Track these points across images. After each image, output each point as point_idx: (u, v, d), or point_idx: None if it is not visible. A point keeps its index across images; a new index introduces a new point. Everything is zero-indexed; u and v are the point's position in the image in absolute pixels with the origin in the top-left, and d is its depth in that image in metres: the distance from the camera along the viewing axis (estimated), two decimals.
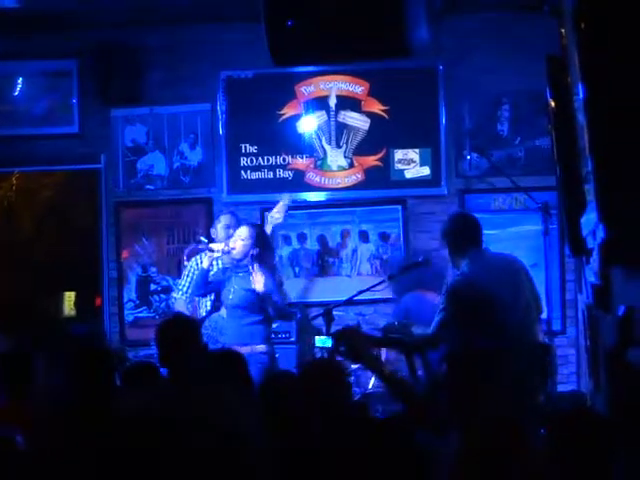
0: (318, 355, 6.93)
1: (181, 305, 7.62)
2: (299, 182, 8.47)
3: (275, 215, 7.81)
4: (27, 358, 4.89)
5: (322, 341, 7.03)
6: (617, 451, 3.34)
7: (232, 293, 6.94)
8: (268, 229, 7.82)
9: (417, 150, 8.40)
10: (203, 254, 7.48)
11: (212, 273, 7.08)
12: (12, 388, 4.77)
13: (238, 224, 7.33)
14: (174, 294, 7.88)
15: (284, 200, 7.87)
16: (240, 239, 6.97)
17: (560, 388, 7.67)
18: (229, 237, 7.16)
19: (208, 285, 7.05)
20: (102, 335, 8.31)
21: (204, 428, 4.25)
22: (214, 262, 7.18)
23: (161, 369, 5.41)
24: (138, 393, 4.66)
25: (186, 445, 4.10)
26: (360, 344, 5.33)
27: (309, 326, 8.11)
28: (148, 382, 4.89)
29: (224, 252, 6.99)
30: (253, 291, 6.89)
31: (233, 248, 6.95)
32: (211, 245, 7.12)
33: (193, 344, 4.76)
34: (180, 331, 4.80)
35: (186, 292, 7.58)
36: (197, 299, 7.52)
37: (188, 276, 7.60)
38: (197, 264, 7.54)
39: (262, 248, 7.02)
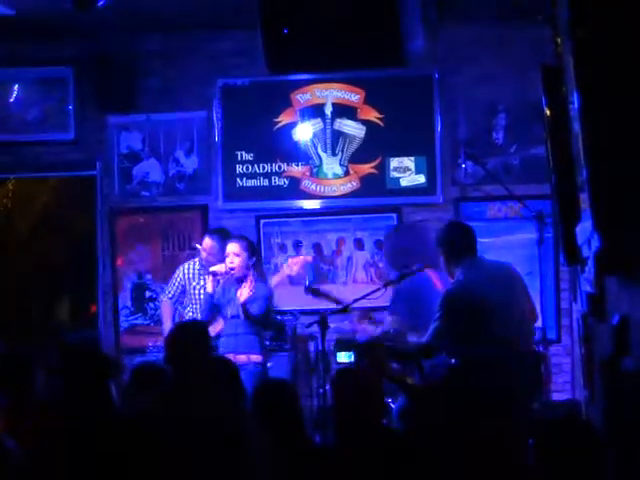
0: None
1: (166, 307, 7.75)
2: (295, 190, 8.48)
3: (293, 267, 7.79)
4: (24, 364, 4.89)
5: (345, 356, 7.07)
6: (606, 460, 3.34)
7: (231, 305, 6.96)
8: (279, 277, 7.84)
9: (412, 158, 8.41)
10: (192, 262, 7.60)
11: (216, 296, 7.09)
12: (10, 393, 4.76)
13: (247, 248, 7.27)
14: (162, 296, 7.93)
15: (307, 257, 7.91)
16: (234, 255, 6.96)
17: (555, 397, 7.68)
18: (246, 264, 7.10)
19: (214, 308, 7.06)
20: (98, 341, 8.29)
21: (206, 428, 4.28)
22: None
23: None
24: (144, 395, 4.70)
25: (188, 445, 4.11)
26: (384, 358, 5.35)
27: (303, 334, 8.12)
28: (156, 382, 4.90)
29: (226, 273, 7.00)
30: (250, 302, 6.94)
31: (233, 268, 6.95)
32: (213, 269, 7.11)
33: (202, 350, 4.79)
34: (194, 336, 4.82)
35: (172, 297, 7.69)
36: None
37: (174, 284, 7.71)
38: (184, 273, 7.70)
39: (257, 256, 7.05)
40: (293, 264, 7.78)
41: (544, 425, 3.55)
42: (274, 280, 7.79)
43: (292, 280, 8.40)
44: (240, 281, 6.97)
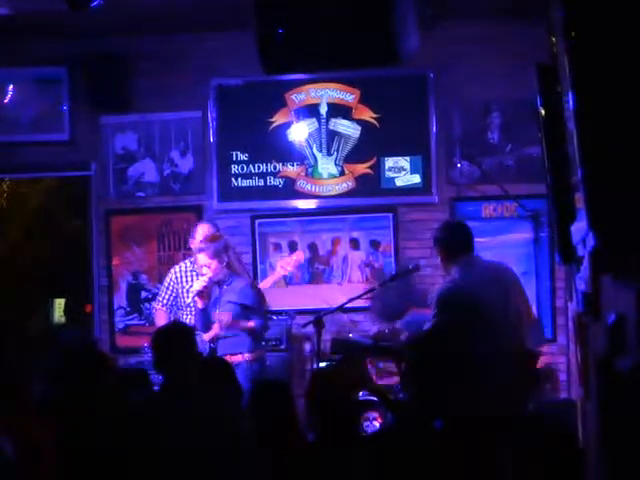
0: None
1: (161, 317, 7.70)
2: (290, 190, 8.47)
3: (287, 267, 7.75)
4: (21, 364, 4.88)
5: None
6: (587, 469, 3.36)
7: (219, 309, 6.96)
8: (273, 278, 7.80)
9: (408, 158, 8.41)
10: (183, 264, 7.67)
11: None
12: (7, 394, 4.75)
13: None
14: (155, 304, 7.91)
15: (299, 256, 7.87)
16: (205, 266, 6.98)
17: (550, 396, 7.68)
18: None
19: (208, 321, 7.03)
20: (94, 340, 8.29)
21: (202, 427, 4.28)
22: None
23: (154, 375, 5.46)
24: (131, 397, 4.71)
25: (185, 444, 4.11)
26: (365, 370, 5.42)
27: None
28: (139, 387, 4.91)
29: (210, 282, 6.98)
30: (237, 303, 6.92)
31: (209, 274, 6.96)
32: (196, 290, 7.06)
33: (189, 351, 4.79)
34: (177, 338, 4.83)
35: (165, 304, 7.67)
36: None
37: (168, 289, 7.71)
38: (175, 277, 7.73)
39: (228, 252, 7.02)
40: (286, 264, 7.76)
41: (531, 433, 3.57)
42: (268, 281, 7.77)
43: (288, 280, 8.40)
44: (221, 283, 6.99)
